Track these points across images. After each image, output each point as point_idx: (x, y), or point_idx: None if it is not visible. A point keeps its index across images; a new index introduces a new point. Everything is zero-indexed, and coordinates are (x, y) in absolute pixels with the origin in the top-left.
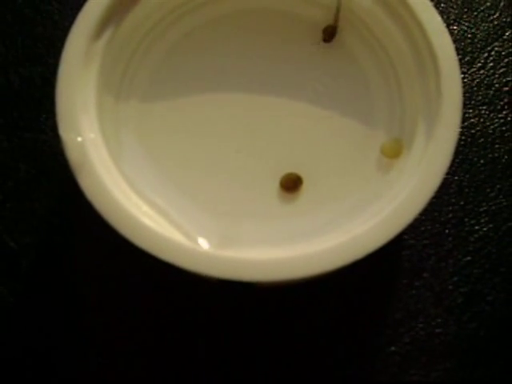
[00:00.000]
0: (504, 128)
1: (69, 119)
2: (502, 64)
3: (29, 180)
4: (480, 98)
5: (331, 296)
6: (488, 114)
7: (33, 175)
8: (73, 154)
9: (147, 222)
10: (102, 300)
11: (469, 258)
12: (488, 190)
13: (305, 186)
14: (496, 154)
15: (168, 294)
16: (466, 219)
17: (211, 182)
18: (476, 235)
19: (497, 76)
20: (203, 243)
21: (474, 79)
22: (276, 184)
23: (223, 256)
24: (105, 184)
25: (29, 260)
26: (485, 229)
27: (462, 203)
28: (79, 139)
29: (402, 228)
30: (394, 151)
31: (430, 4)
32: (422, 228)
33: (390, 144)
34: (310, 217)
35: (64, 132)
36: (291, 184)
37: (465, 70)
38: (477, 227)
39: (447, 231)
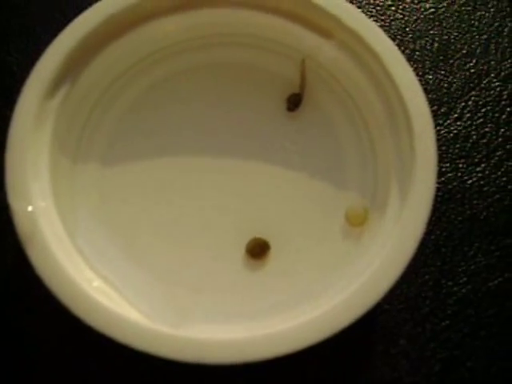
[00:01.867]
0: (482, 182)
1: (19, 186)
2: (479, 114)
3: None
4: (457, 151)
5: (302, 365)
6: (466, 168)
7: None
8: (22, 225)
9: (99, 298)
10: (53, 372)
11: (447, 322)
12: (466, 249)
13: (272, 252)
14: (474, 211)
15: (122, 365)
16: (444, 281)
17: (171, 252)
18: (454, 297)
19: (474, 127)
20: (158, 321)
21: (451, 131)
22: (242, 250)
23: (177, 336)
24: (56, 258)
25: None
26: (463, 290)
27: (438, 264)
28: (29, 208)
29: (376, 301)
30: (358, 219)
31: (403, 58)
32: (397, 291)
33: (353, 212)
34: (277, 288)
35: (13, 201)
36: (258, 250)
37: (441, 122)
38: (455, 289)
39: (424, 294)
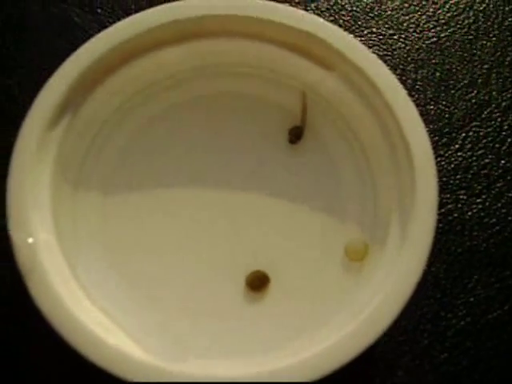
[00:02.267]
0: (482, 214)
1: (20, 217)
2: (480, 145)
3: None
4: (457, 182)
5: None
6: (466, 199)
7: None
8: (23, 257)
9: (99, 332)
10: None
11: (446, 354)
12: (466, 281)
13: (272, 286)
14: (474, 242)
15: None
16: (443, 313)
17: (172, 285)
18: (453, 330)
19: (475, 158)
20: (157, 355)
21: (452, 162)
22: (242, 283)
23: (175, 372)
24: (56, 291)
25: None
26: (462, 323)
27: (438, 296)
28: (30, 240)
29: (375, 339)
30: (358, 254)
31: (404, 92)
32: (397, 324)
33: (353, 247)
34: (276, 323)
35: (14, 232)
36: (258, 283)
37: (442, 153)
38: (454, 321)
39: (422, 327)
